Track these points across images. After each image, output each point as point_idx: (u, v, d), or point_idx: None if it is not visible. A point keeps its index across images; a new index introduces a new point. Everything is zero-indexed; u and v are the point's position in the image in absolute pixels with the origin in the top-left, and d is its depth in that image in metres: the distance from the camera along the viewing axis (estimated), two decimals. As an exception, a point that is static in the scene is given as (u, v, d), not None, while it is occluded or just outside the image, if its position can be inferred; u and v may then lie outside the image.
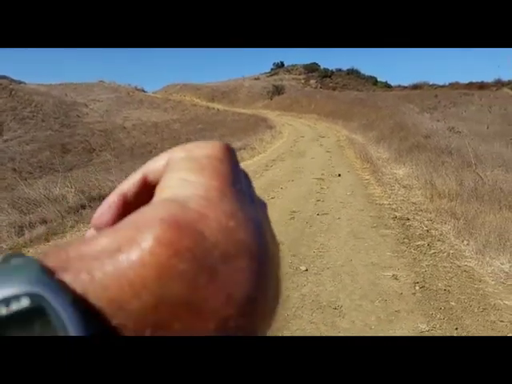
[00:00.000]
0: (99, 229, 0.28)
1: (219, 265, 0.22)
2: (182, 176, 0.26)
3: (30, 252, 4.60)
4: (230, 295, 0.22)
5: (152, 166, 0.30)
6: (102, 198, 6.15)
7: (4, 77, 29.96)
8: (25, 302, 0.19)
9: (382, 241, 4.18)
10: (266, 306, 0.24)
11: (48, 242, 4.86)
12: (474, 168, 6.38)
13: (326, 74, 46.03)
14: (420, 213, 5.08)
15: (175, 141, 9.42)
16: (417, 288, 3.30)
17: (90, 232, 0.29)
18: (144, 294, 0.21)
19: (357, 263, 3.65)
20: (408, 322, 2.86)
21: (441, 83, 41.85)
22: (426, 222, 4.73)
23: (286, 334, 2.62)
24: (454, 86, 36.16)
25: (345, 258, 3.77)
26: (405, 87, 40.73)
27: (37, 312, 0.19)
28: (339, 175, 7.20)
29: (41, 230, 5.15)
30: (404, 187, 6.26)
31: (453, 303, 3.04)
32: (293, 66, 52.11)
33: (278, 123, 14.70)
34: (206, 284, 0.22)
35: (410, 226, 4.62)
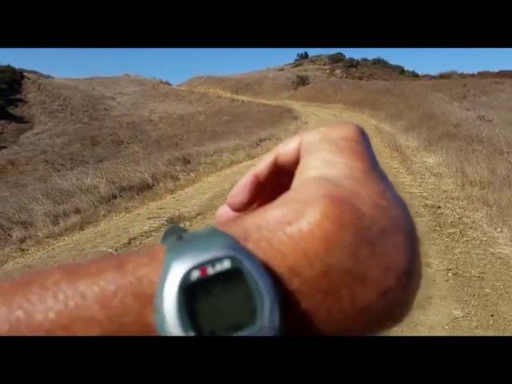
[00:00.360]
0: (234, 207, 0.31)
1: (377, 239, 0.24)
2: (324, 156, 0.28)
3: (66, 240, 4.74)
4: (389, 267, 0.24)
5: (283, 149, 0.32)
6: (132, 188, 6.25)
7: (32, 71, 30.58)
8: (227, 264, 0.22)
9: (413, 229, 4.13)
10: (418, 281, 0.26)
11: (82, 230, 4.99)
12: (506, 156, 6.21)
13: (352, 64, 45.29)
14: (451, 201, 5.00)
15: (201, 133, 9.48)
16: (450, 275, 3.25)
17: (223, 209, 0.32)
18: (316, 263, 0.23)
19: (388, 251, 3.61)
20: (442, 308, 2.81)
21: (469, 72, 40.77)
22: (458, 210, 4.65)
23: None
24: (483, 75, 34.98)
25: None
26: (432, 76, 39.63)
27: (235, 273, 0.22)
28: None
29: (75, 219, 5.28)
30: (434, 175, 6.16)
31: (487, 290, 2.99)
32: (317, 56, 51.46)
33: (303, 114, 14.58)
34: (367, 256, 0.23)
35: (441, 213, 4.56)
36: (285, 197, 0.26)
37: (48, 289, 0.21)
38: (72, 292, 0.21)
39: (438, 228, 4.15)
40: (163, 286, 0.21)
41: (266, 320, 0.21)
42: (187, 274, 0.21)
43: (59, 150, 10.08)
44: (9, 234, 4.98)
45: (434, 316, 2.74)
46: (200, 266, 0.22)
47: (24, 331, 0.20)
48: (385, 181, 0.27)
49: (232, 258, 0.22)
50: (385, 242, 0.24)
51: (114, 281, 0.22)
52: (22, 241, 4.81)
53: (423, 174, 6.31)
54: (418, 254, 0.26)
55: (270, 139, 10.24)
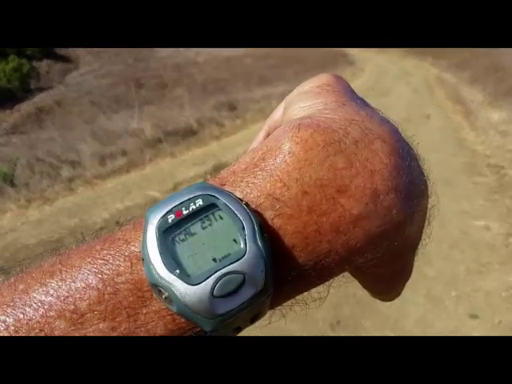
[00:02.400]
0: None
1: (353, 149, 0.25)
2: (300, 105, 0.29)
3: (113, 181, 4.77)
4: (372, 172, 0.24)
5: (272, 121, 0.34)
6: (177, 133, 6.20)
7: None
8: (199, 202, 0.23)
9: (474, 188, 3.93)
10: (414, 186, 0.26)
11: (129, 173, 4.99)
12: None
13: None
14: (518, 161, 4.64)
15: (247, 76, 9.21)
16: (510, 240, 3.08)
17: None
18: (293, 184, 0.24)
19: (447, 210, 3.41)
20: (499, 274, 2.70)
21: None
22: (525, 171, 4.33)
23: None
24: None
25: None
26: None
27: (211, 209, 0.23)
28: (428, 117, 6.69)
29: (121, 161, 5.29)
30: (499, 133, 5.72)
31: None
32: None
33: (358, 59, 13.69)
34: (345, 164, 0.24)
35: (505, 174, 4.30)
36: (261, 143, 0.27)
37: (45, 271, 0.23)
38: (67, 268, 0.23)
39: (500, 189, 3.95)
40: (145, 236, 0.23)
41: (249, 244, 0.22)
42: (163, 219, 0.23)
43: (104, 92, 10.10)
44: (58, 173, 5.05)
45: (491, 282, 2.64)
46: (174, 210, 0.23)
47: (29, 311, 0.22)
48: (362, 105, 0.28)
49: (204, 196, 0.23)
50: (362, 150, 0.25)
51: (103, 249, 0.23)
52: (71, 180, 4.86)
53: (487, 131, 5.87)
54: (402, 158, 0.26)
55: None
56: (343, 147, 0.25)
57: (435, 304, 2.42)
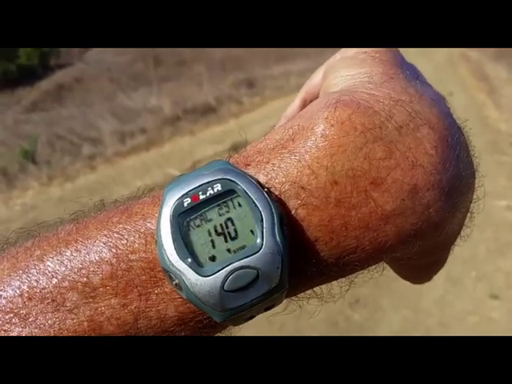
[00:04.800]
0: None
1: (395, 136, 0.22)
2: (342, 74, 0.26)
3: (133, 159, 4.81)
4: (415, 163, 0.22)
5: (309, 87, 0.32)
6: (195, 110, 6.19)
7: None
8: (218, 187, 0.22)
9: (497, 168, 3.83)
10: (455, 185, 0.23)
11: (148, 151, 5.02)
12: None
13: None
14: (543, 140, 4.52)
15: (266, 53, 9.08)
16: (534, 218, 3.01)
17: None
18: (322, 172, 0.22)
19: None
20: None
21: None
22: (551, 151, 4.22)
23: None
24: None
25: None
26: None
27: (230, 195, 0.22)
28: (451, 93, 6.52)
29: (141, 139, 5.33)
30: (525, 111, 5.56)
31: None
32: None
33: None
34: (384, 154, 0.22)
35: (528, 154, 4.15)
36: (293, 118, 0.25)
37: (62, 239, 0.23)
38: (82, 238, 0.23)
39: (524, 169, 3.82)
40: (159, 218, 0.22)
41: (266, 238, 0.21)
42: (179, 202, 0.22)
43: (123, 69, 10.08)
44: (79, 150, 5.12)
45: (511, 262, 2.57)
46: (191, 193, 0.22)
47: (43, 280, 0.22)
48: (412, 80, 0.25)
49: (223, 181, 0.22)
50: (405, 138, 0.22)
51: (120, 223, 0.23)
52: (92, 158, 4.92)
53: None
54: (452, 149, 0.23)
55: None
56: (384, 134, 0.22)
57: (454, 284, 2.41)
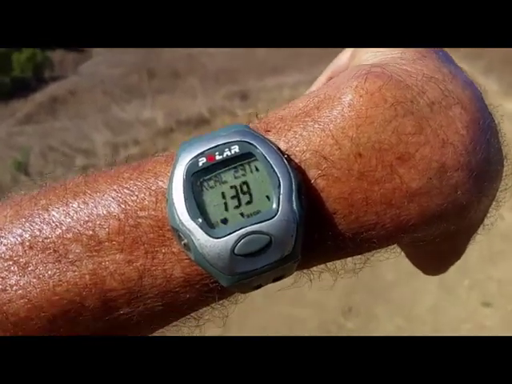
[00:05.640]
0: None
1: (427, 112, 0.21)
2: (373, 50, 0.25)
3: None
4: (445, 141, 0.21)
5: (335, 67, 0.31)
6: (189, 122, 6.20)
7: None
8: (235, 149, 0.21)
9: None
10: (484, 169, 0.22)
11: (141, 161, 5.01)
12: None
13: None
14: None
15: (260, 65, 9.16)
16: (524, 228, 3.04)
17: None
18: (346, 143, 0.21)
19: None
20: None
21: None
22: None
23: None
24: None
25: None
26: None
27: (247, 158, 0.21)
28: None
29: (134, 150, 5.33)
30: (514, 123, 5.63)
31: None
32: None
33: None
34: (414, 129, 0.21)
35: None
36: (319, 88, 0.24)
37: (69, 190, 0.22)
38: (91, 191, 0.22)
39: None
40: (172, 176, 0.21)
41: (283, 204, 0.20)
42: (194, 161, 0.21)
43: (117, 81, 10.11)
44: (72, 162, 5.11)
45: (504, 271, 2.61)
46: (207, 153, 0.21)
47: (46, 229, 0.21)
48: (445, 61, 0.24)
49: (241, 143, 0.21)
50: (437, 115, 0.22)
51: (131, 179, 0.22)
52: (85, 168, 4.91)
53: (501, 122, 5.74)
54: (483, 132, 0.22)
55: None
56: (415, 108, 0.21)
57: (448, 292, 2.42)
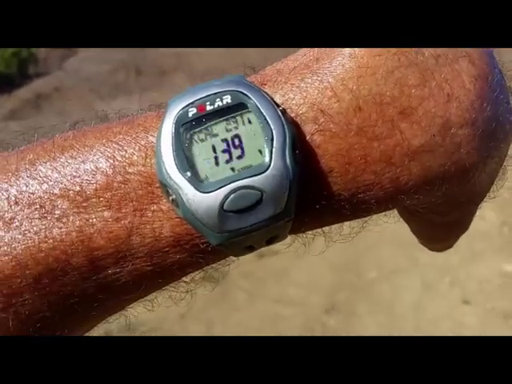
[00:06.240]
0: None
1: (432, 63, 0.20)
2: None
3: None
4: (450, 96, 0.20)
5: None
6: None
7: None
8: (227, 99, 0.20)
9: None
10: (492, 128, 0.21)
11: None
12: None
13: None
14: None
15: (250, 67, 9.13)
16: (504, 229, 3.08)
17: None
18: (346, 95, 0.20)
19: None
20: (492, 262, 2.68)
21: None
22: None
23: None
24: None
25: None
26: None
27: (239, 107, 0.20)
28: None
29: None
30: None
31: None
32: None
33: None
34: (417, 81, 0.20)
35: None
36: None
37: (57, 145, 0.22)
38: (79, 146, 0.21)
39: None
40: (161, 127, 0.20)
41: (275, 158, 0.19)
42: (183, 112, 0.20)
43: (104, 79, 10.02)
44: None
45: (485, 269, 2.64)
46: (197, 103, 0.20)
47: (33, 184, 0.20)
48: None
49: (233, 93, 0.20)
50: (442, 68, 0.20)
51: (120, 133, 0.21)
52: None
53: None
54: (491, 87, 0.21)
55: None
56: (419, 59, 0.20)
57: (429, 290, 2.46)
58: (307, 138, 0.20)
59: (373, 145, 0.20)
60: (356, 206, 0.21)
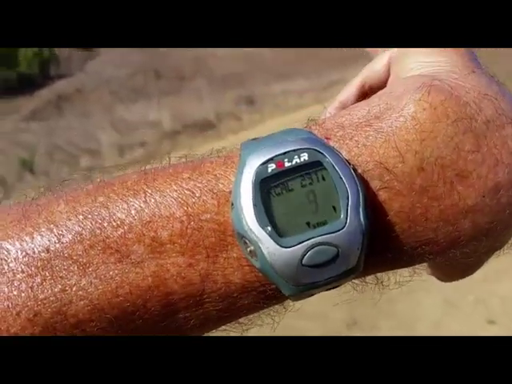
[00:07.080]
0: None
1: (484, 130, 0.22)
2: (420, 59, 0.25)
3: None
4: (498, 162, 0.21)
5: (369, 72, 0.30)
6: (195, 125, 6.22)
7: None
8: (305, 156, 0.21)
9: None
10: None
11: (147, 164, 5.01)
12: None
13: None
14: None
15: (266, 70, 9.17)
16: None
17: None
18: (409, 157, 0.21)
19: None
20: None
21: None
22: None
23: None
24: None
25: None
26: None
27: (315, 167, 0.21)
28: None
29: (140, 152, 5.36)
30: None
31: None
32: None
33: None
34: (473, 147, 0.21)
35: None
36: (372, 97, 0.24)
37: (128, 188, 0.22)
38: (151, 190, 0.21)
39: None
40: (240, 181, 0.21)
41: (351, 216, 0.20)
42: (263, 167, 0.21)
43: (123, 82, 10.14)
44: (77, 162, 5.12)
45: (509, 288, 2.57)
46: (276, 159, 0.21)
47: (107, 228, 0.21)
48: (491, 78, 0.24)
49: (310, 151, 0.21)
50: (493, 134, 0.22)
51: (191, 180, 0.21)
52: (90, 169, 4.93)
53: None
54: None
55: (340, 83, 9.61)
56: (474, 126, 0.22)
57: (451, 308, 2.42)
58: (374, 194, 0.21)
59: (433, 204, 0.21)
60: (413, 257, 0.22)
